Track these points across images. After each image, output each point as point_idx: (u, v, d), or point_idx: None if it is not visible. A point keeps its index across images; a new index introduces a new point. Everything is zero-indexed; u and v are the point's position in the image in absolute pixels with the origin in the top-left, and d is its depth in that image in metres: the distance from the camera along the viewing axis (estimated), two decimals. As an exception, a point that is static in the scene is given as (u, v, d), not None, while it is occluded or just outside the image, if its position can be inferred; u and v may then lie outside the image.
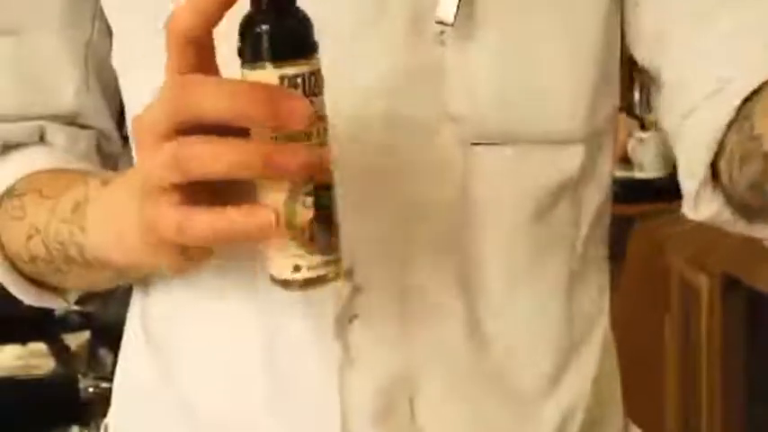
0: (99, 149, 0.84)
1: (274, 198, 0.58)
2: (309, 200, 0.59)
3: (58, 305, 0.83)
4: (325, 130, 0.59)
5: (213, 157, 0.54)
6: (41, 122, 0.81)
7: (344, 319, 0.72)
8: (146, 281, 0.80)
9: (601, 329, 0.80)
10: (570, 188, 0.76)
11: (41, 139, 0.81)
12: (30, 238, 0.75)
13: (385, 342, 0.71)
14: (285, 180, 0.57)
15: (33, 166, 0.79)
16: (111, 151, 0.85)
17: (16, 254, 0.78)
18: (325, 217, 0.59)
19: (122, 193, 0.63)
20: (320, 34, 0.67)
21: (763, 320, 2.31)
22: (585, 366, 0.79)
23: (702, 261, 2.33)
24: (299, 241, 0.59)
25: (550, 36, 0.73)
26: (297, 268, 0.60)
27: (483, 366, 0.75)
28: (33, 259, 0.76)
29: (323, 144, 0.59)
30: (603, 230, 0.81)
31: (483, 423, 0.76)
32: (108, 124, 0.84)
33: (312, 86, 0.58)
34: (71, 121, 0.82)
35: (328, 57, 0.68)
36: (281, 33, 0.58)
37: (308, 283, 0.60)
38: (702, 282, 2.30)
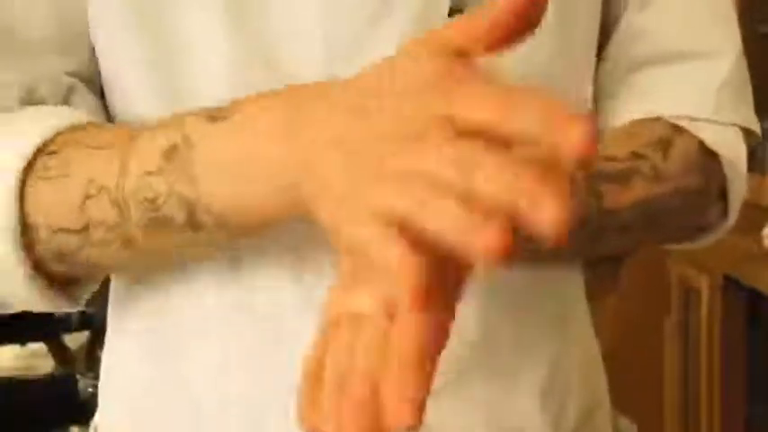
0: None
1: None
2: None
3: (62, 307, 0.73)
4: None
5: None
6: (73, 81, 0.72)
7: None
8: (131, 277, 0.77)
9: (582, 306, 0.82)
10: None
11: (65, 101, 0.72)
12: (87, 198, 0.63)
13: None
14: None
15: (71, 119, 0.67)
16: None
17: (55, 227, 0.65)
18: None
19: (276, 117, 0.58)
20: (326, 32, 0.68)
21: (763, 320, 2.31)
22: (574, 358, 0.80)
23: (702, 261, 2.33)
24: None
25: (547, 45, 0.74)
26: None
27: (489, 360, 0.76)
28: (85, 227, 0.64)
29: None
30: None
31: (488, 418, 0.76)
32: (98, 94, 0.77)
33: None
34: (91, 84, 0.74)
35: (335, 52, 0.68)
36: None
37: None
38: (702, 282, 2.30)
